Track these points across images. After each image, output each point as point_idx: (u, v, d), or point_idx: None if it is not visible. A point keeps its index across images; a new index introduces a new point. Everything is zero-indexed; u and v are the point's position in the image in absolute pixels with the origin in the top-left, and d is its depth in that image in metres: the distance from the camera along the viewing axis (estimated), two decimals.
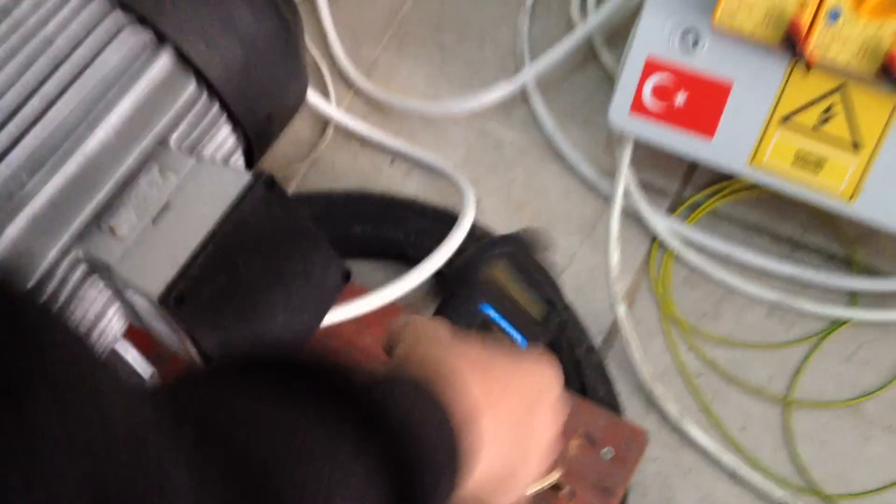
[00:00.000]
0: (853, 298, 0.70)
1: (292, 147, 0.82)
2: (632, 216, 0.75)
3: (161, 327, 0.55)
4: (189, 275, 0.50)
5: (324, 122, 0.82)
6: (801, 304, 0.69)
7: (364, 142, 0.81)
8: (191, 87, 0.58)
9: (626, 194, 0.75)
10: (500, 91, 0.79)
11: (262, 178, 0.54)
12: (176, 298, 0.50)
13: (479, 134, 0.81)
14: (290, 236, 0.55)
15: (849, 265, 0.72)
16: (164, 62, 0.57)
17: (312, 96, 0.81)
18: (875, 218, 0.64)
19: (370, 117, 0.83)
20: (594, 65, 0.83)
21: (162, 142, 0.57)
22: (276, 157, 0.81)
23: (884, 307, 0.69)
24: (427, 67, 0.85)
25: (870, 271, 0.71)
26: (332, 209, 0.73)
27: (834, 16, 0.58)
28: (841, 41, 0.58)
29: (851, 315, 0.68)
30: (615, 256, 0.70)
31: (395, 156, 0.81)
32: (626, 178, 0.74)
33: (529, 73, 0.79)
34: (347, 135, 0.82)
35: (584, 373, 0.64)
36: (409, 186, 0.79)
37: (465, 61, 0.85)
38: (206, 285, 0.51)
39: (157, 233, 0.53)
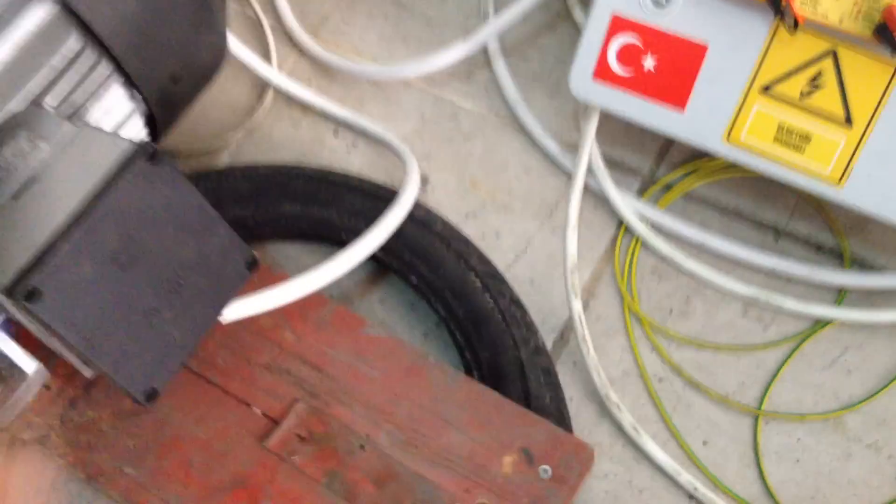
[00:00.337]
0: (840, 296, 0.62)
1: (226, 113, 0.74)
2: (597, 198, 0.67)
3: (28, 322, 0.48)
4: (47, 263, 0.43)
5: (263, 86, 0.75)
6: (781, 302, 0.61)
7: (306, 109, 0.74)
8: (72, 40, 0.50)
9: (591, 173, 0.67)
10: (455, 53, 0.71)
11: (143, 148, 0.46)
12: (28, 291, 0.42)
13: (434, 102, 0.73)
14: (180, 218, 0.48)
15: (839, 257, 0.64)
16: (40, 11, 0.49)
17: (250, 57, 0.74)
18: (865, 204, 0.55)
19: (315, 81, 0.75)
20: (566, 24, 0.75)
21: (35, 103, 0.50)
22: (208, 124, 0.73)
23: (874, 307, 0.61)
24: (382, 26, 0.77)
25: (862, 264, 0.63)
26: (260, 185, 0.66)
27: None
28: None
29: (837, 315, 0.60)
30: (573, 244, 0.62)
31: (340, 125, 0.73)
32: (590, 153, 0.65)
33: (489, 31, 0.70)
34: (289, 101, 0.74)
35: (528, 377, 0.57)
36: (353, 160, 0.72)
37: (424, 19, 0.77)
38: (68, 276, 0.44)
39: (18, 211, 0.46)
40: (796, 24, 0.52)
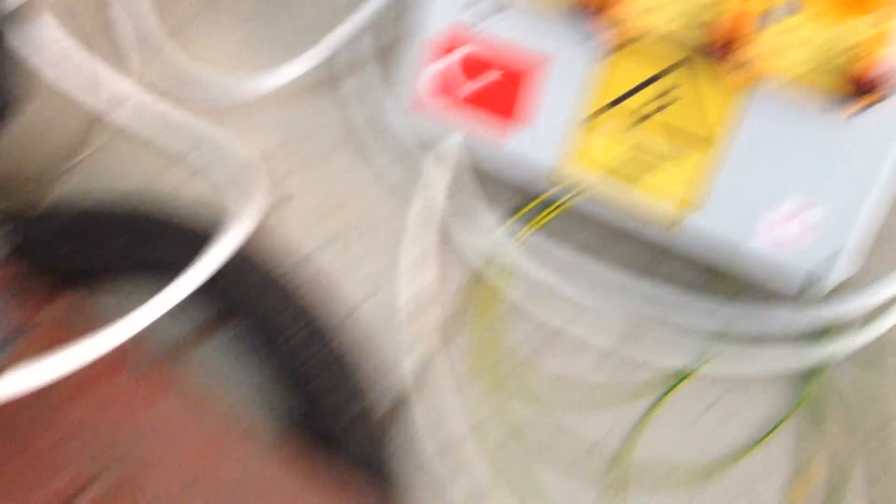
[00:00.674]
0: (714, 337, 0.55)
1: (60, 141, 0.68)
2: (450, 228, 0.60)
3: None
4: None
5: (101, 109, 0.68)
6: (644, 348, 0.55)
7: (150, 130, 0.67)
8: None
9: (442, 199, 0.60)
10: (309, 61, 0.64)
11: None
12: None
13: (291, 117, 0.67)
14: None
15: (719, 290, 0.57)
16: None
17: (85, 76, 0.67)
18: (716, 236, 0.48)
19: (166, 96, 0.68)
20: None
21: None
22: (37, 155, 0.67)
23: (750, 350, 0.54)
24: (246, 30, 0.70)
25: (748, 297, 0.56)
26: (84, 224, 0.60)
27: None
28: (659, 3, 0.42)
29: (707, 362, 0.54)
30: (409, 291, 0.55)
31: (187, 147, 0.67)
32: (437, 175, 0.58)
33: (340, 37, 0.63)
34: (129, 123, 0.68)
35: (351, 444, 0.51)
36: (197, 187, 0.65)
37: (295, 21, 0.69)
38: None
39: None
40: (619, 39, 0.44)
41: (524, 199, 0.60)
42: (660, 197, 0.48)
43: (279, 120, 0.66)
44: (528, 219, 0.59)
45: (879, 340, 0.51)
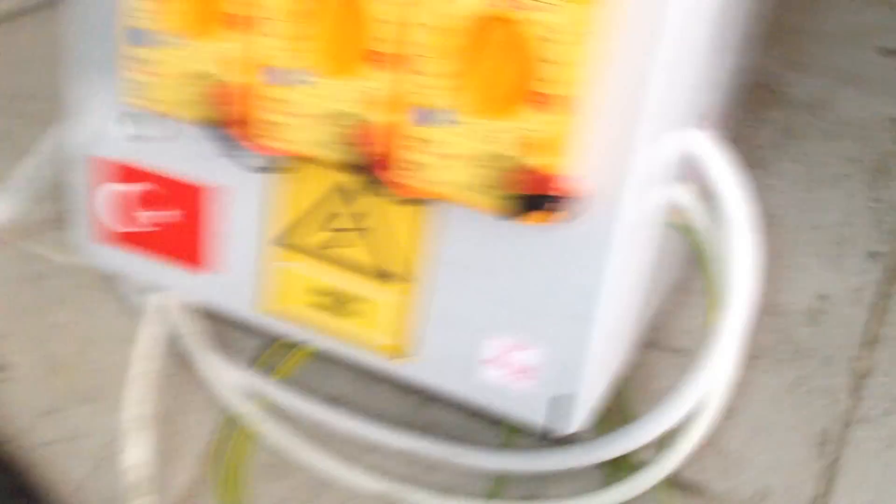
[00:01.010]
0: (495, 486, 0.48)
1: None
2: (194, 373, 0.52)
3: None
4: None
5: None
6: (419, 498, 0.47)
7: None
8: None
9: (178, 338, 0.51)
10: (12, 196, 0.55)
11: None
12: None
13: (15, 259, 0.57)
14: None
15: (497, 428, 0.49)
16: None
17: None
18: (433, 379, 0.41)
19: None
20: None
21: None
22: None
23: (536, 496, 0.47)
24: None
25: (528, 436, 0.48)
26: None
27: (291, 76, 0.34)
28: (296, 116, 0.35)
29: None
30: (136, 454, 0.46)
31: None
32: (171, 315, 0.50)
33: (32, 168, 0.54)
34: None
35: None
36: None
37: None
38: None
39: None
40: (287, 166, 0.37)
41: (266, 342, 0.52)
42: (367, 342, 0.40)
43: (3, 267, 0.57)
44: (274, 364, 0.51)
45: (678, 475, 0.44)
